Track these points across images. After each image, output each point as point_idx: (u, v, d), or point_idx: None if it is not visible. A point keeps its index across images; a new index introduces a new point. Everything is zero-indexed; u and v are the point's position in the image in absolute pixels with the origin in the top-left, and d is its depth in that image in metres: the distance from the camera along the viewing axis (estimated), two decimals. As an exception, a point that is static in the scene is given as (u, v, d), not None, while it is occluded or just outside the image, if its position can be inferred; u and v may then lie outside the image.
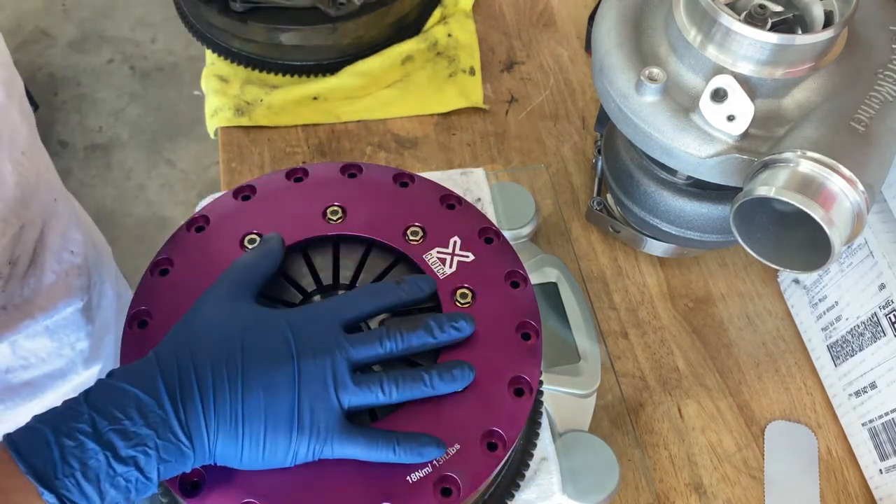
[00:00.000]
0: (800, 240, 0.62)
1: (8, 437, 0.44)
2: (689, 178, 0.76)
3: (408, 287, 0.56)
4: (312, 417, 0.49)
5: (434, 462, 0.51)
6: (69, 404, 0.46)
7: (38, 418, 0.45)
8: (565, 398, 0.73)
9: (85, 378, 0.92)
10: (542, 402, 0.64)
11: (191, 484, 0.49)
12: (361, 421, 0.53)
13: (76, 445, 0.44)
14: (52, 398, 0.90)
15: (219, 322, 0.51)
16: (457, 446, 0.51)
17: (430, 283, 0.57)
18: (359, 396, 0.50)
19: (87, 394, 0.46)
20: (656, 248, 0.84)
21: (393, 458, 0.50)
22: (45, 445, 0.43)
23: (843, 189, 0.57)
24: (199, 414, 0.47)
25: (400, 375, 0.52)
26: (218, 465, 0.49)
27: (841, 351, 0.77)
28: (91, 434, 0.44)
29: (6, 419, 0.87)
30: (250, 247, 0.59)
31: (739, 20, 0.63)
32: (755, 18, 0.65)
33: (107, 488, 0.44)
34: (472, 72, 1.00)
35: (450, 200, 0.63)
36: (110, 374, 0.48)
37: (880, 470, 0.73)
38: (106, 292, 0.93)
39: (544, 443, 0.63)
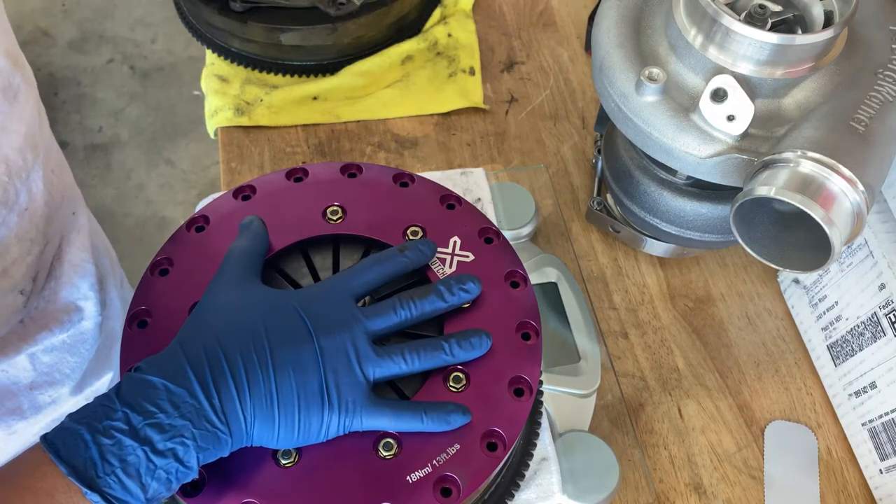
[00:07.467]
0: (800, 240, 0.62)
1: (45, 438, 0.44)
2: (689, 178, 0.76)
3: (411, 253, 0.57)
4: (340, 392, 0.50)
5: (434, 462, 0.51)
6: (101, 401, 0.46)
7: (72, 417, 0.45)
8: (565, 398, 0.73)
9: (97, 388, 0.90)
10: (542, 402, 0.64)
11: (191, 484, 0.49)
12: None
13: (114, 443, 0.44)
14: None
15: (236, 306, 0.52)
16: (457, 446, 0.51)
17: (431, 247, 0.58)
18: (383, 367, 0.51)
19: (118, 389, 0.47)
20: (656, 248, 0.84)
21: (421, 426, 0.51)
22: (82, 445, 0.44)
23: (844, 189, 0.57)
24: (235, 399, 0.47)
25: (420, 345, 0.53)
26: (254, 445, 0.49)
27: (841, 351, 0.77)
28: (127, 431, 0.45)
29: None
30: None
31: (739, 20, 0.63)
32: (755, 18, 0.65)
33: (148, 482, 0.45)
34: (472, 72, 1.00)
35: (450, 200, 0.63)
36: (137, 368, 0.48)
37: (880, 470, 0.73)
38: (113, 301, 0.93)
39: (544, 443, 0.63)
